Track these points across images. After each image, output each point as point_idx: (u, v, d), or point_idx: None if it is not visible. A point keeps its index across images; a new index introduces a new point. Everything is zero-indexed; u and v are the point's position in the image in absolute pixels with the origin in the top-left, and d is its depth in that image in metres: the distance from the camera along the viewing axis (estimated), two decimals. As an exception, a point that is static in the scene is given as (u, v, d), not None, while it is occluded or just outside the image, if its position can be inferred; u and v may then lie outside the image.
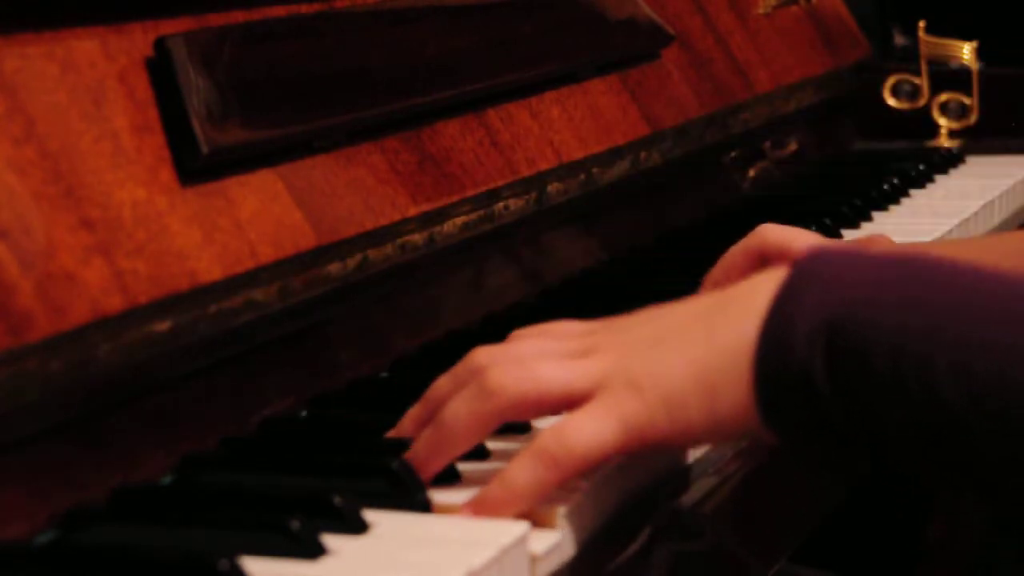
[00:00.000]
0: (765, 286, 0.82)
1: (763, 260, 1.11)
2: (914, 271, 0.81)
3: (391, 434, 0.92)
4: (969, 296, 0.79)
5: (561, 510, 0.82)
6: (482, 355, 0.87)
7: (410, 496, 0.85)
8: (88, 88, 0.92)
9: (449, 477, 0.87)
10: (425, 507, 0.84)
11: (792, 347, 0.79)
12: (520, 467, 0.82)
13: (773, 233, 1.12)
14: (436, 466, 0.86)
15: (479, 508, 0.82)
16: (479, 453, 0.91)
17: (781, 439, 0.82)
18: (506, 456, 0.89)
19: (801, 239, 1.11)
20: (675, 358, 0.83)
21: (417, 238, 1.11)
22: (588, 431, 0.82)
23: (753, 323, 0.81)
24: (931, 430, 0.78)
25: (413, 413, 0.90)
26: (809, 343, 0.79)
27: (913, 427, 0.78)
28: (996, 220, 1.58)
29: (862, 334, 0.78)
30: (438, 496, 0.85)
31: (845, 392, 0.78)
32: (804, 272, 0.82)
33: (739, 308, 0.82)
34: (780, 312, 0.80)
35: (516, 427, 0.94)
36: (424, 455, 0.86)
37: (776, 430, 0.82)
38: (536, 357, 0.85)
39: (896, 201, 1.59)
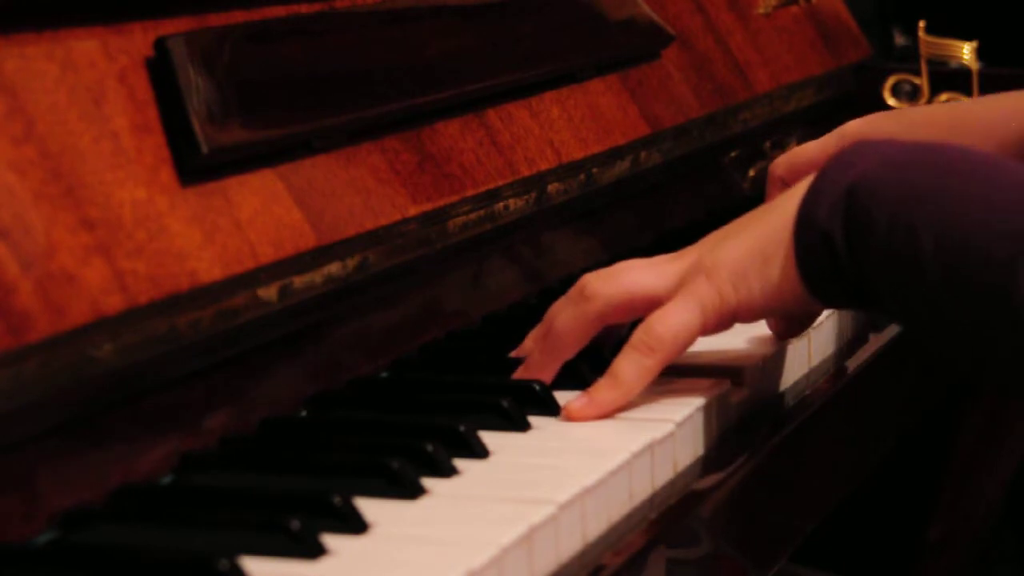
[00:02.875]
0: (805, 182, 0.97)
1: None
2: (922, 156, 0.94)
3: (516, 352, 1.06)
4: (956, 179, 0.92)
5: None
6: (587, 275, 1.03)
7: (410, 489, 0.85)
8: (88, 88, 0.92)
9: (446, 471, 0.88)
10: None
11: (818, 215, 0.94)
12: (622, 362, 0.97)
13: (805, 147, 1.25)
14: (550, 367, 1.01)
15: (589, 406, 0.97)
16: (476, 450, 0.91)
17: (821, 300, 0.97)
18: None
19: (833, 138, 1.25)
20: (737, 243, 0.98)
21: (417, 238, 1.11)
22: (672, 318, 0.97)
23: (795, 204, 0.96)
24: (914, 291, 0.91)
25: (534, 332, 1.05)
26: (831, 211, 0.94)
27: (902, 287, 0.92)
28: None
29: (867, 203, 0.92)
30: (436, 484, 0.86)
31: (855, 253, 0.93)
32: (837, 156, 0.96)
33: (787, 197, 0.97)
34: (812, 189, 0.95)
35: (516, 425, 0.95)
36: (539, 359, 1.02)
37: (811, 290, 0.96)
38: (627, 268, 1.02)
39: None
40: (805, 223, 0.95)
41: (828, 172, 0.95)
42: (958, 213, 0.90)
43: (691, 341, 0.99)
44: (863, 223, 0.92)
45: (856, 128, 1.24)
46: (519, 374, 1.03)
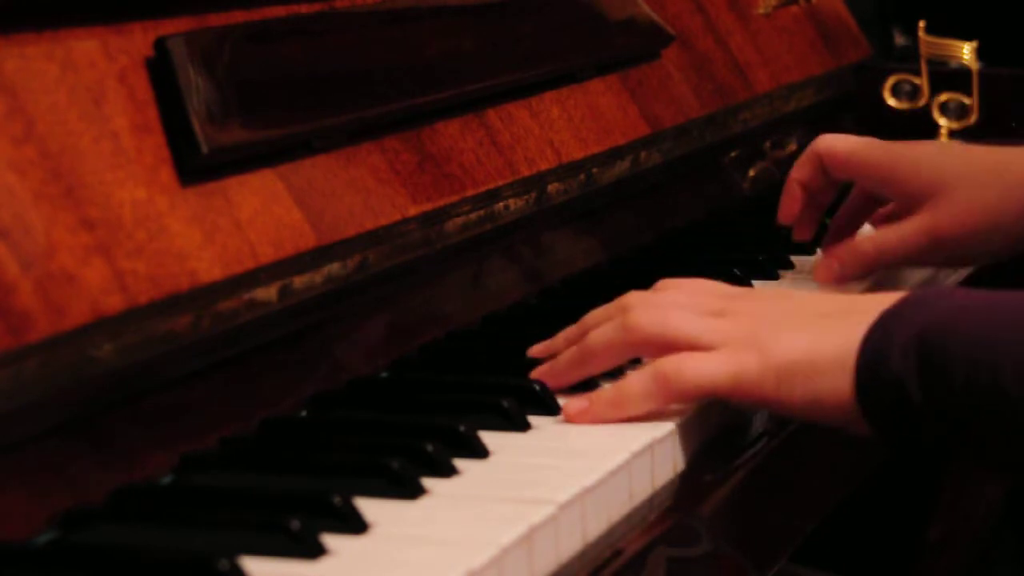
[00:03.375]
0: (879, 304, 0.95)
1: (820, 166, 1.30)
2: (995, 298, 0.93)
3: (540, 347, 1.06)
4: None
5: None
6: (633, 297, 1.02)
7: (410, 489, 0.85)
8: (88, 88, 0.92)
9: (446, 471, 0.88)
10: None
11: (889, 355, 0.91)
12: (637, 380, 0.96)
13: (829, 138, 1.30)
14: (573, 377, 1.02)
15: (585, 413, 0.97)
16: (476, 450, 0.91)
17: (875, 433, 0.93)
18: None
19: (851, 142, 1.29)
20: (796, 339, 0.95)
21: (417, 238, 1.11)
22: (704, 368, 0.95)
23: (861, 330, 0.93)
24: (1003, 426, 0.89)
25: (566, 332, 1.05)
26: (903, 352, 0.91)
27: (984, 423, 0.89)
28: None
29: (944, 347, 0.90)
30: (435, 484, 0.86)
31: (931, 396, 0.90)
32: (909, 297, 0.94)
33: (855, 316, 0.94)
34: (882, 324, 0.93)
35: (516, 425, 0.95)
36: (564, 367, 1.02)
37: (871, 423, 0.93)
38: (675, 306, 0.99)
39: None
40: (872, 363, 0.92)
41: (897, 312, 0.93)
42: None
43: (705, 397, 0.97)
44: (938, 366, 0.90)
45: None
46: (539, 372, 1.03)
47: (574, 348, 1.02)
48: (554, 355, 1.05)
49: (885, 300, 0.95)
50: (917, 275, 1.34)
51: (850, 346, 0.93)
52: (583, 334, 1.03)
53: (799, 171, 1.31)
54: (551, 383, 1.02)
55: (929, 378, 0.90)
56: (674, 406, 0.98)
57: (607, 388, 0.98)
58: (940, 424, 0.90)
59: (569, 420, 0.97)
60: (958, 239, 1.23)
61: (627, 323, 0.99)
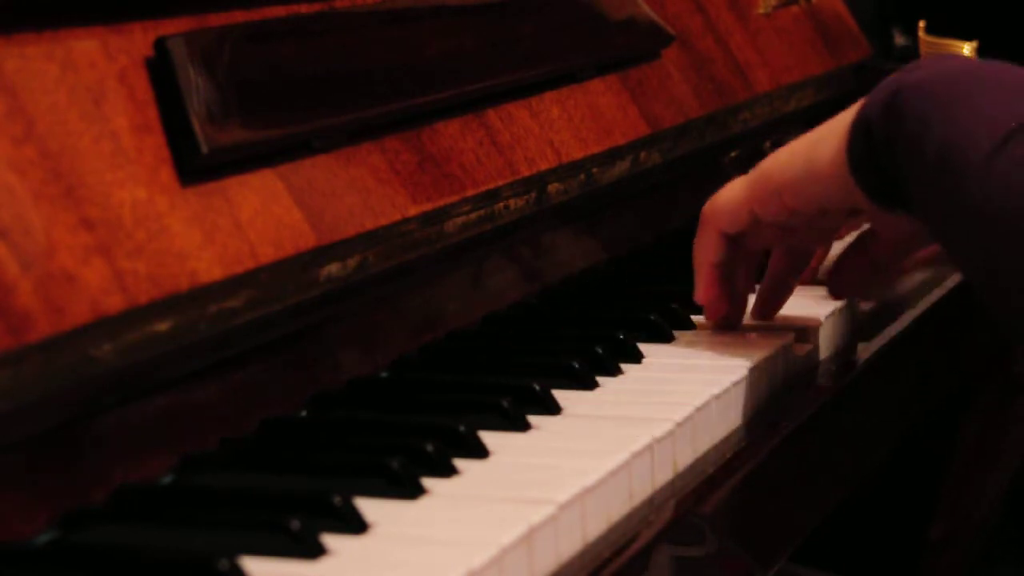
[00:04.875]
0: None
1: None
2: (972, 67, 1.04)
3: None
4: (987, 82, 1.01)
5: None
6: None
7: (410, 489, 0.85)
8: (88, 88, 0.92)
9: (446, 471, 0.88)
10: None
11: (869, 110, 1.04)
12: (697, 234, 1.16)
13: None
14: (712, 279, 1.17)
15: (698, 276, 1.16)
16: (476, 450, 0.91)
17: (857, 182, 1.05)
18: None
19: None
20: (796, 141, 1.11)
21: (417, 238, 1.11)
22: (725, 192, 1.15)
23: (857, 108, 1.06)
24: (936, 175, 0.98)
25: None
26: (876, 105, 1.03)
27: (929, 183, 0.99)
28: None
29: (907, 98, 1.01)
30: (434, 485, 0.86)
31: (890, 141, 1.02)
32: (906, 67, 1.06)
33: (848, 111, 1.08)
34: (875, 91, 1.05)
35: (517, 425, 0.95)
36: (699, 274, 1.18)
37: (852, 171, 1.05)
38: (721, 190, 1.17)
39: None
40: (860, 116, 1.04)
41: (893, 78, 1.04)
42: (965, 109, 0.98)
43: (738, 209, 1.13)
44: (897, 116, 1.01)
45: None
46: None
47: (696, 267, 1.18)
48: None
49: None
50: (917, 276, 1.34)
51: (844, 120, 1.07)
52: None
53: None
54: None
55: (889, 125, 1.02)
56: (671, 405, 0.97)
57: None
58: (895, 174, 1.02)
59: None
60: None
61: (700, 220, 1.18)
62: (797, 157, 1.10)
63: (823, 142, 1.08)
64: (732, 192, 1.14)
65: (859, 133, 1.04)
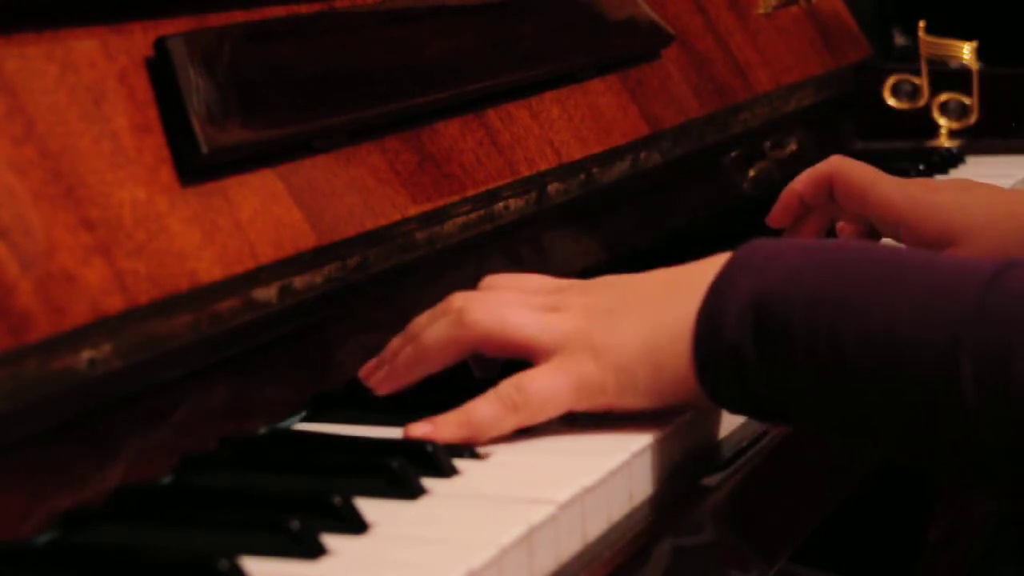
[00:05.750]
0: (708, 272, 0.92)
1: (827, 187, 1.27)
2: (830, 255, 0.90)
3: (371, 363, 1.01)
4: (873, 271, 0.88)
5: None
6: (459, 297, 0.98)
7: (410, 489, 0.85)
8: (88, 88, 0.92)
9: (446, 471, 0.88)
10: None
11: (723, 324, 0.89)
12: (484, 405, 0.92)
13: (845, 164, 1.26)
14: (407, 379, 0.98)
15: (433, 428, 0.92)
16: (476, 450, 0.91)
17: (716, 403, 0.92)
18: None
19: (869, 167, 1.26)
20: (628, 331, 0.93)
21: (417, 238, 1.11)
22: (547, 385, 0.92)
23: (694, 304, 0.91)
24: (841, 394, 0.87)
25: (393, 344, 1.00)
26: (739, 320, 0.89)
27: (827, 392, 0.87)
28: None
29: (782, 310, 0.88)
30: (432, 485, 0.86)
31: (771, 365, 0.88)
32: (738, 259, 0.92)
33: (685, 291, 0.92)
34: (715, 294, 0.90)
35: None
36: (400, 367, 0.98)
37: (714, 400, 0.91)
38: (509, 304, 0.96)
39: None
40: (708, 335, 0.90)
41: (728, 279, 0.90)
42: (882, 307, 0.85)
43: (557, 414, 0.93)
44: (776, 334, 0.87)
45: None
46: (372, 376, 1.00)
47: (408, 348, 0.98)
48: (383, 363, 1.00)
49: (713, 265, 0.92)
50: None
51: (685, 325, 0.90)
52: (410, 337, 0.99)
53: (803, 184, 1.28)
54: (386, 386, 0.98)
55: (766, 345, 0.88)
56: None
57: (451, 415, 0.93)
58: (780, 393, 0.88)
59: (408, 435, 0.92)
60: None
61: (464, 319, 0.95)
62: (639, 379, 0.92)
63: (664, 365, 0.91)
64: (557, 390, 0.92)
65: (718, 361, 0.89)
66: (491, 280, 1.02)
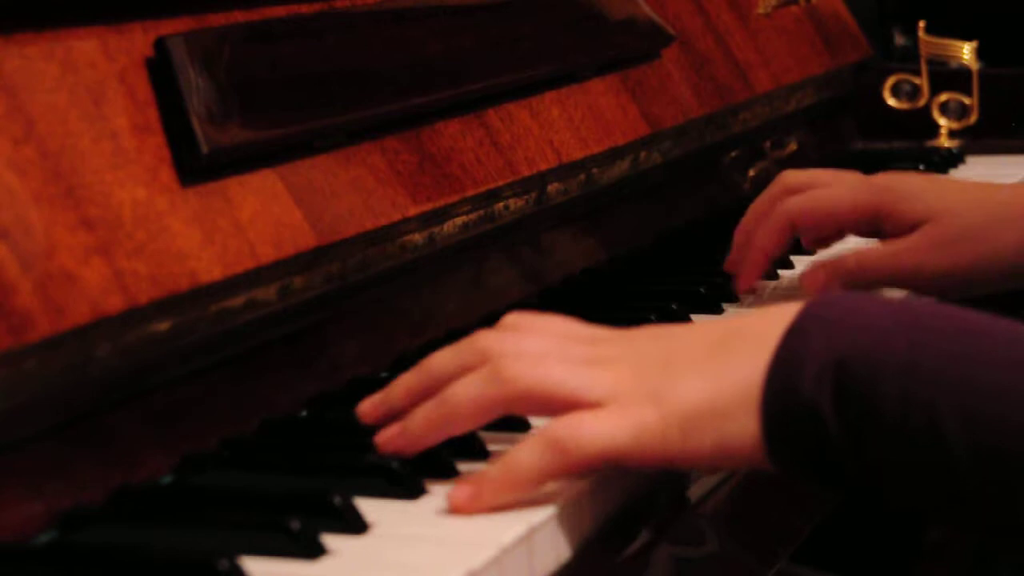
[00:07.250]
0: (775, 323, 0.83)
1: (792, 234, 1.24)
2: (921, 317, 0.82)
3: (374, 400, 0.90)
4: (974, 341, 0.81)
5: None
6: (491, 341, 0.87)
7: (410, 489, 0.85)
8: (88, 88, 0.92)
9: (447, 471, 0.88)
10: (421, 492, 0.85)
11: (800, 385, 0.80)
12: (528, 452, 0.82)
13: (793, 176, 1.25)
14: (432, 440, 0.86)
15: (476, 490, 0.82)
16: (477, 451, 0.91)
17: (785, 474, 0.83)
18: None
19: (822, 178, 1.24)
20: (691, 383, 0.83)
21: (417, 238, 1.11)
22: (603, 430, 0.82)
23: (763, 359, 0.82)
24: (933, 472, 0.79)
25: (408, 382, 0.88)
26: (817, 382, 0.80)
27: (916, 468, 0.79)
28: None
29: (870, 375, 0.79)
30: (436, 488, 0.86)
31: (852, 432, 0.79)
32: (812, 313, 0.83)
33: (750, 343, 0.83)
34: (789, 350, 0.81)
35: (514, 425, 0.94)
36: (422, 429, 0.86)
37: (781, 465, 0.82)
38: (550, 356, 0.86)
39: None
40: (781, 393, 0.81)
41: (802, 334, 0.82)
42: (986, 387, 0.78)
43: (607, 463, 0.83)
44: (866, 401, 0.79)
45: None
46: (387, 438, 0.87)
47: (430, 405, 0.86)
48: (392, 408, 0.89)
49: (782, 316, 0.84)
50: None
51: (754, 378, 0.82)
52: (430, 383, 0.87)
53: (768, 240, 1.22)
54: (407, 449, 0.86)
55: (850, 412, 0.79)
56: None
57: (492, 467, 0.83)
58: (865, 466, 0.80)
59: (458, 511, 0.82)
60: (939, 264, 1.19)
61: (501, 375, 0.84)
62: (705, 431, 0.82)
63: (731, 416, 0.82)
64: (615, 438, 0.82)
65: (793, 422, 0.81)
66: (515, 320, 0.91)
